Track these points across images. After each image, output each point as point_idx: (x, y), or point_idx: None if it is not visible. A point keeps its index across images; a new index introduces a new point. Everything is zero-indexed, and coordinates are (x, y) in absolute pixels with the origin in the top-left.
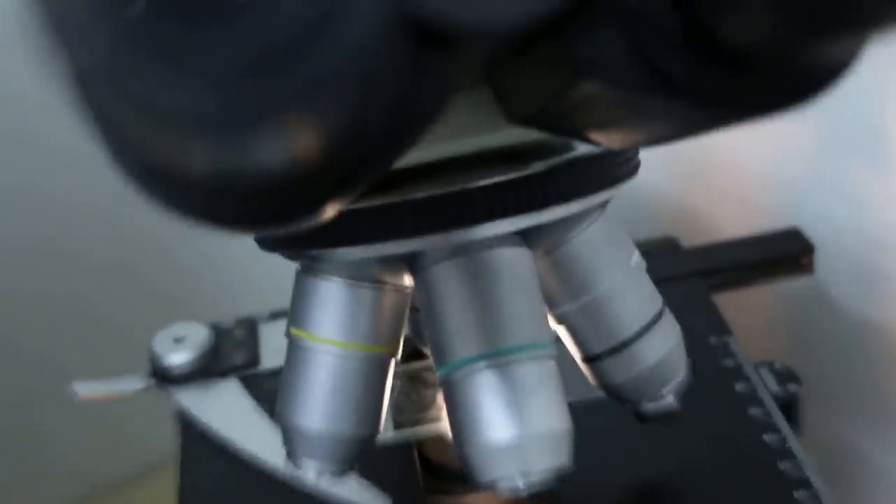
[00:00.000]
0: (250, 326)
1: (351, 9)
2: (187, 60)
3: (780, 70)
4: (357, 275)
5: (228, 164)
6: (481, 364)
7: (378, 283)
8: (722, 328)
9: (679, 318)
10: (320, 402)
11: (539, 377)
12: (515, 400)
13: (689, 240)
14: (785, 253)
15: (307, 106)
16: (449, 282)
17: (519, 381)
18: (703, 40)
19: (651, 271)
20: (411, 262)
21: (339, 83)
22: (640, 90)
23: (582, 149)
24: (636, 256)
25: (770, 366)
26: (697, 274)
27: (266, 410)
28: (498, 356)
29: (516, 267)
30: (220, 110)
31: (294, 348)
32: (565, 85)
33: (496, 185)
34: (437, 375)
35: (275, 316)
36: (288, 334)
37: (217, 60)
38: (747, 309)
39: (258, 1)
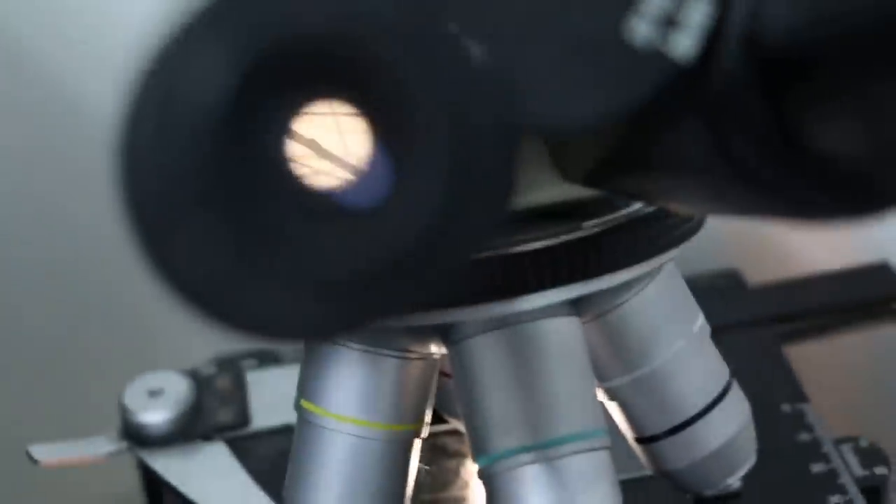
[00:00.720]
0: (236, 375)
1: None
2: (304, 269)
3: (871, 182)
4: (379, 342)
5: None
6: (526, 457)
7: (403, 351)
8: (795, 393)
9: (743, 378)
10: (334, 488)
11: (591, 472)
12: (566, 499)
13: (756, 274)
14: (873, 293)
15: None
16: (489, 358)
17: (569, 478)
18: (793, 140)
19: (709, 315)
20: (445, 332)
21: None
22: (720, 182)
23: (636, 207)
24: (700, 320)
25: (854, 442)
26: (766, 320)
27: (260, 482)
28: (545, 448)
29: (565, 339)
30: (335, 321)
31: (304, 423)
32: (640, 167)
33: (548, 249)
34: (475, 464)
35: (262, 360)
36: (297, 407)
37: (336, 269)
38: (826, 367)
39: (379, 208)
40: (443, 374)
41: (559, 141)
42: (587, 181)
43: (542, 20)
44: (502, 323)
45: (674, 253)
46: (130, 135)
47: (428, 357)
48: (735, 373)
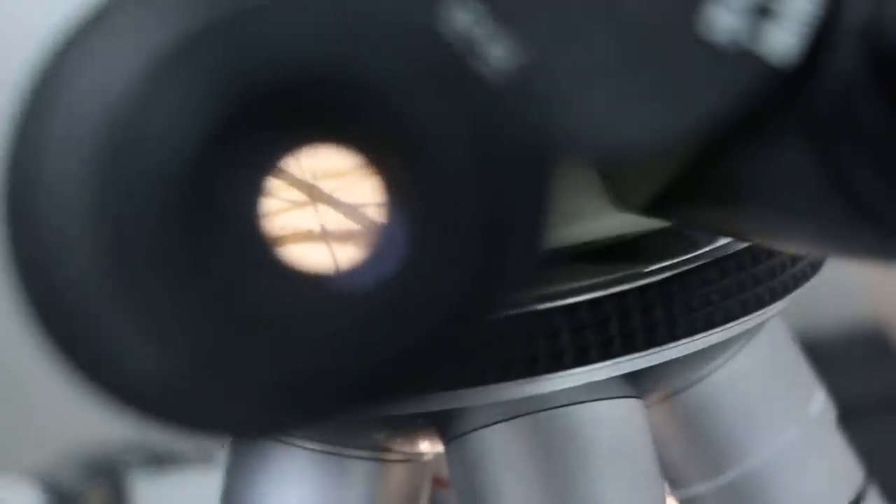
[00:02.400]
0: (114, 487)
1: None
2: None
3: None
4: (345, 439)
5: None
6: None
7: (379, 451)
8: None
9: (888, 480)
10: None
11: None
12: None
13: None
14: None
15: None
16: (508, 458)
17: None
18: None
19: (837, 390)
20: (442, 422)
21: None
22: (830, 218)
23: (721, 244)
24: (820, 399)
25: None
26: None
27: None
28: None
29: (619, 431)
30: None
31: None
32: (721, 196)
33: (593, 304)
34: None
35: (152, 462)
36: None
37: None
38: None
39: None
40: (436, 482)
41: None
42: (650, 210)
43: (589, 11)
44: (527, 408)
45: (778, 307)
46: (50, 196)
47: (415, 459)
48: (874, 473)
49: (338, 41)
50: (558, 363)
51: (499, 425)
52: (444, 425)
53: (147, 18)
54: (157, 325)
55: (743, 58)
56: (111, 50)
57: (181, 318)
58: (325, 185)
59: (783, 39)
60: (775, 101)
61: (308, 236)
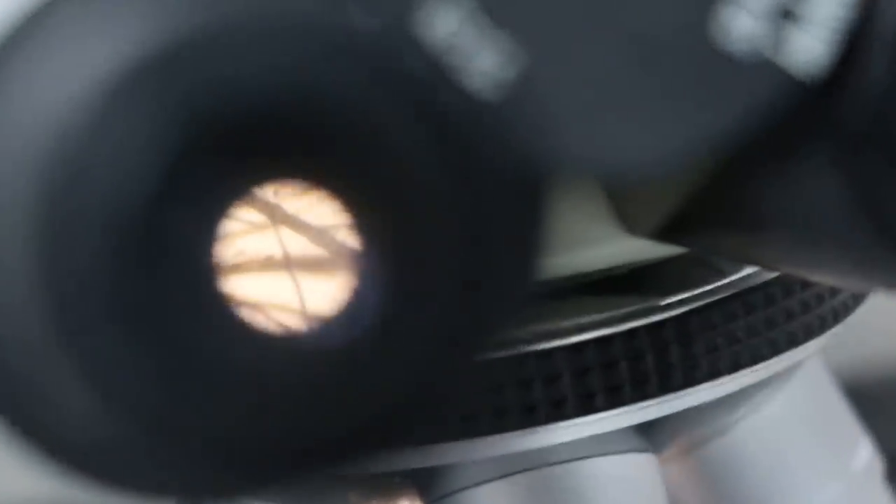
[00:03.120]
0: None
1: None
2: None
3: None
4: (307, 502)
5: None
6: None
7: None
8: None
9: None
10: None
11: None
12: None
13: None
14: None
15: None
16: None
17: None
18: None
19: (885, 442)
20: (424, 481)
21: None
22: (862, 249)
23: (747, 273)
24: (866, 452)
25: None
26: None
27: None
28: None
29: (627, 492)
30: None
31: None
32: (740, 221)
33: (600, 343)
34: None
35: None
36: None
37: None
38: None
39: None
40: None
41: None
42: (663, 234)
43: (590, 17)
44: (522, 464)
45: (815, 346)
46: None
47: None
48: None
49: (302, 67)
50: (559, 412)
51: (489, 484)
52: (426, 485)
53: (99, 31)
54: (102, 376)
55: (763, 69)
56: (53, 67)
57: (130, 370)
58: (290, 224)
59: (809, 47)
60: (800, 117)
61: (273, 288)
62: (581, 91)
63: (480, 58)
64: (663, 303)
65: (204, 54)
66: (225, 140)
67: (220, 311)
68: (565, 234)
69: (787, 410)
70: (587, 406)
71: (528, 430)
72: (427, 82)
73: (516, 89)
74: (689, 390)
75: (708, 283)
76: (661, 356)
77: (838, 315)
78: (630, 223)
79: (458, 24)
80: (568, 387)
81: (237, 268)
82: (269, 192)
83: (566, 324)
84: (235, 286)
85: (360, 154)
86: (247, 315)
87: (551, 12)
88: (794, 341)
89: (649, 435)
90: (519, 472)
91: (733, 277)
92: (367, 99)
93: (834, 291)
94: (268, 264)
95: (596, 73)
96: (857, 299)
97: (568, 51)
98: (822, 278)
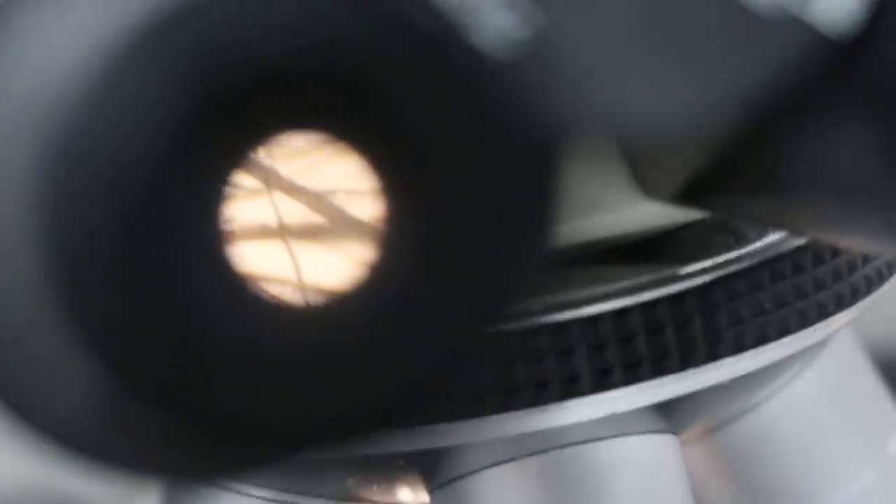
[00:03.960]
0: None
1: None
2: None
3: None
4: (302, 485)
5: None
6: None
7: (346, 500)
8: None
9: None
10: None
11: None
12: None
13: None
14: None
15: None
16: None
17: None
18: None
19: None
20: (428, 465)
21: None
22: (891, 207)
23: (774, 239)
24: None
25: None
26: None
27: None
28: None
29: (646, 475)
30: None
31: None
32: (766, 180)
33: (615, 316)
34: None
35: None
36: None
37: None
38: None
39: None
40: None
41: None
42: (685, 198)
43: None
44: (533, 446)
45: (847, 317)
46: None
47: None
48: None
49: (311, 23)
50: (573, 389)
51: (498, 468)
52: (429, 468)
53: None
54: (108, 346)
55: (790, 25)
56: (60, 26)
57: (137, 340)
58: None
59: (838, 2)
60: (829, 74)
61: (290, 257)
62: (600, 49)
63: (493, 16)
64: (684, 272)
65: (214, 11)
66: (238, 98)
67: (232, 280)
68: (580, 198)
69: (816, 389)
70: (603, 382)
71: (539, 409)
72: (436, 40)
73: (532, 48)
74: (713, 365)
75: (732, 250)
76: (682, 329)
77: (872, 284)
78: (649, 186)
79: None
80: (582, 361)
81: (250, 234)
82: (285, 157)
83: (580, 294)
84: (249, 254)
85: (375, 110)
86: (260, 285)
87: None
88: (824, 313)
89: (669, 414)
90: (530, 454)
91: (759, 244)
92: (376, 54)
93: (866, 258)
94: (282, 232)
95: (615, 30)
96: (892, 267)
97: (586, 7)
98: (854, 243)
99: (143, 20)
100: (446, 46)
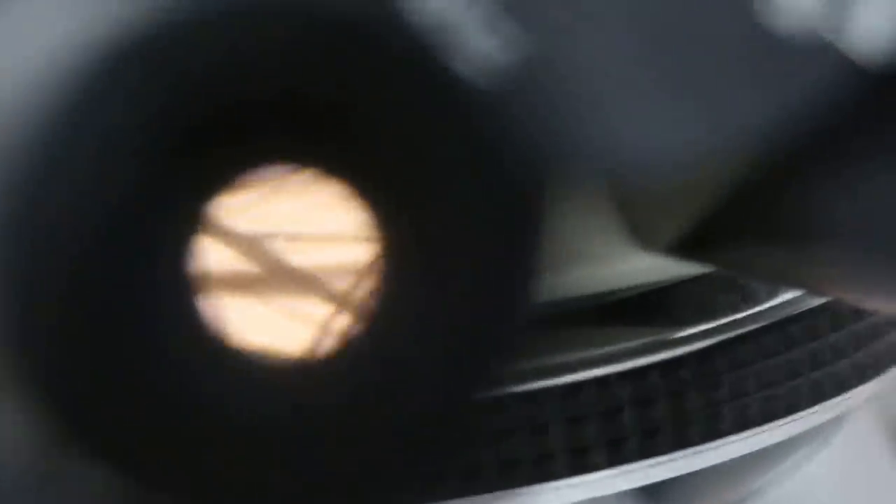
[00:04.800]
0: None
1: None
2: None
3: None
4: None
5: None
6: None
7: None
8: None
9: None
10: None
11: None
12: None
13: None
14: None
15: None
16: None
17: None
18: None
19: None
20: None
21: None
22: None
23: (787, 299)
24: None
25: None
26: None
27: None
28: None
29: None
30: None
31: None
32: (786, 231)
33: (598, 385)
34: None
35: None
36: None
37: None
38: None
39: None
40: None
41: (634, 189)
42: (685, 250)
43: None
44: None
45: (867, 391)
46: None
47: None
48: None
49: (290, 50)
50: (546, 470)
51: None
52: None
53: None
54: (64, 400)
55: (819, 52)
56: (18, 44)
57: (97, 394)
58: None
59: (875, 27)
60: (862, 109)
61: (270, 308)
62: (597, 74)
63: (476, 39)
64: (680, 335)
65: (186, 39)
66: (213, 129)
67: (203, 334)
68: (562, 247)
69: (830, 473)
70: (582, 463)
71: (506, 492)
72: (412, 63)
73: (518, 75)
74: (711, 445)
75: (737, 310)
76: (677, 402)
77: None
78: (644, 236)
79: (451, 2)
80: (558, 438)
81: (225, 283)
82: (260, 196)
83: (558, 359)
84: (223, 306)
85: (353, 138)
86: (232, 336)
87: None
88: (841, 385)
89: (660, 500)
90: None
91: (769, 304)
92: (349, 76)
93: (892, 322)
94: (260, 280)
95: (616, 54)
96: None
97: (583, 28)
98: (881, 305)
99: (109, 44)
100: (424, 72)
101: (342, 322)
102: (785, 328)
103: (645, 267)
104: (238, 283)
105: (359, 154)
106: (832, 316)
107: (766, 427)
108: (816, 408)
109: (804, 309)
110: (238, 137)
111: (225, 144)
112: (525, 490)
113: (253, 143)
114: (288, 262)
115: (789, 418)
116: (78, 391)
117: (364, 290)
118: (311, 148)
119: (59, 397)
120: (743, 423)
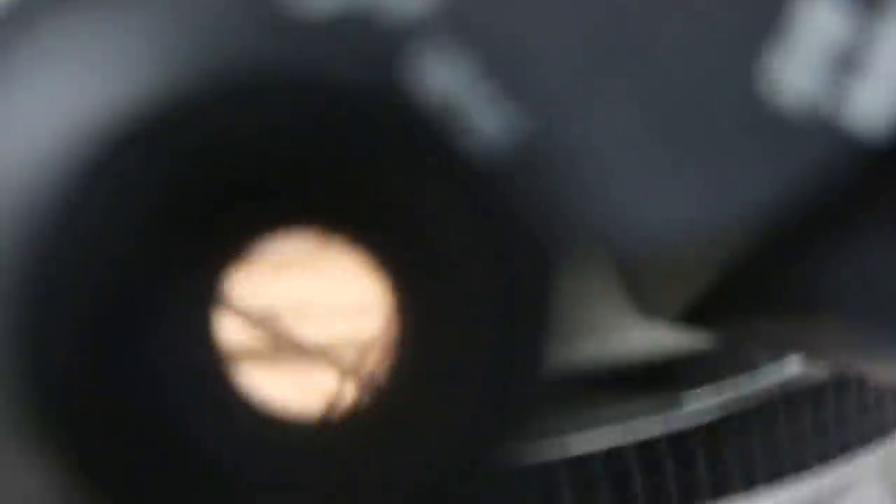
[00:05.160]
0: None
1: None
2: None
3: None
4: None
5: None
6: None
7: None
8: None
9: None
10: None
11: None
12: None
13: None
14: None
15: None
16: None
17: None
18: None
19: None
20: None
21: None
22: None
23: (791, 367)
24: None
25: None
26: None
27: None
28: None
29: None
30: None
31: None
32: (788, 303)
33: (608, 456)
34: None
35: None
36: None
37: None
38: None
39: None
40: None
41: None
42: (691, 320)
43: (614, 63)
44: None
45: (872, 460)
46: None
47: None
48: None
49: (304, 124)
50: None
51: None
52: None
53: (82, 78)
54: (85, 467)
55: (820, 128)
56: (31, 114)
57: (117, 461)
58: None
59: (873, 104)
60: (863, 184)
61: (288, 371)
62: (599, 151)
63: (481, 116)
64: (687, 408)
65: (194, 116)
66: (231, 203)
67: (224, 397)
68: (567, 318)
69: None
70: None
71: None
72: (419, 139)
73: (523, 150)
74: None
75: (742, 379)
76: (685, 471)
77: None
78: (648, 307)
79: (455, 81)
80: None
81: (244, 348)
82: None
83: (567, 430)
84: (241, 364)
85: (367, 210)
86: (254, 402)
87: (567, 65)
88: (847, 450)
89: None
90: None
91: (773, 373)
92: (355, 152)
93: None
94: (271, 351)
95: (616, 133)
96: None
97: (587, 107)
98: (885, 374)
99: (120, 118)
100: (431, 148)
101: (351, 392)
102: (791, 397)
103: (651, 337)
104: (251, 355)
105: (368, 227)
106: (836, 384)
107: (772, 492)
108: (820, 474)
109: (808, 377)
110: (249, 213)
111: (236, 219)
112: None
113: (264, 216)
114: (298, 336)
115: (796, 483)
116: (90, 451)
117: (373, 361)
118: (320, 221)
119: (73, 458)
120: (751, 489)
